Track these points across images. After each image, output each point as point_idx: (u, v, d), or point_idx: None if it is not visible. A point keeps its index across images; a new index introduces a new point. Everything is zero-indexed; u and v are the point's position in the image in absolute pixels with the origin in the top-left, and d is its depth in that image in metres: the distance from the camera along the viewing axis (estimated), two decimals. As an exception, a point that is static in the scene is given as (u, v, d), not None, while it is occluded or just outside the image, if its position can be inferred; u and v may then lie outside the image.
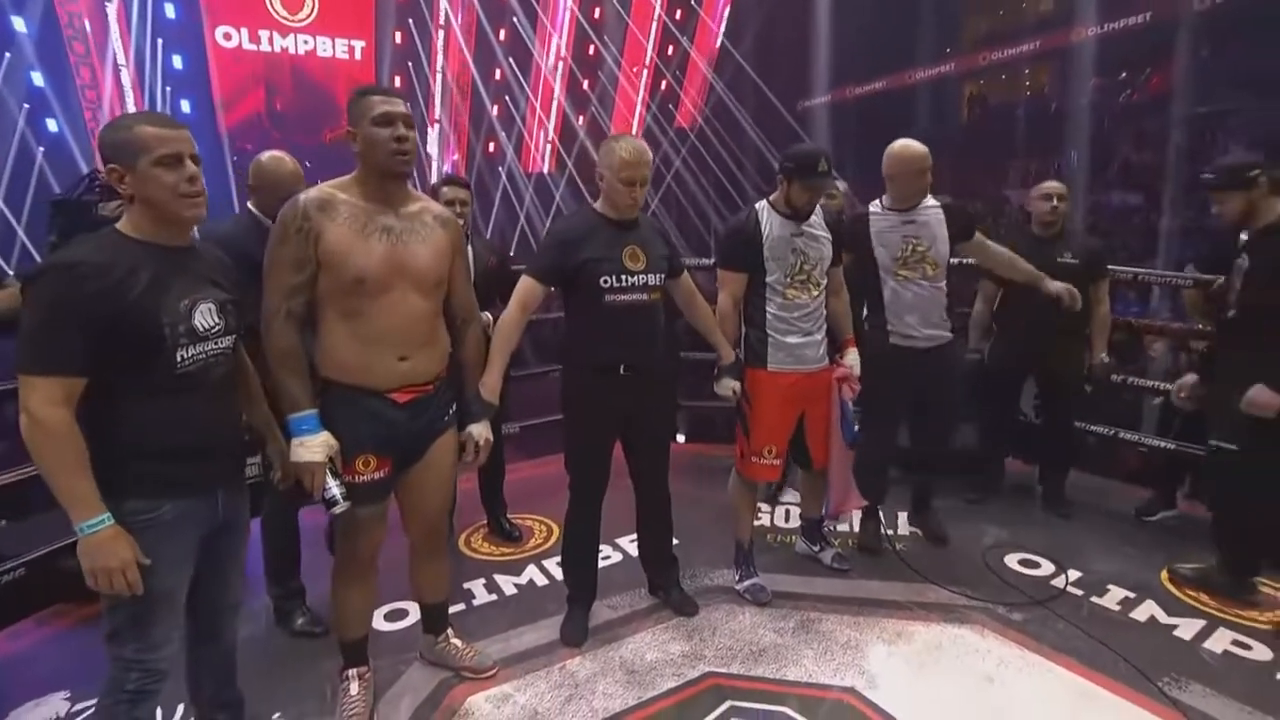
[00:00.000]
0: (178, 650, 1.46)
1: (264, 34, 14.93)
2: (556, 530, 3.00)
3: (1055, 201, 2.96)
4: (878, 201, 2.59)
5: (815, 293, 2.29)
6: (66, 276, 1.24)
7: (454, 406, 1.85)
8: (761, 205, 2.31)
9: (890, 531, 2.93)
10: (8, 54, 11.80)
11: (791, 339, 2.29)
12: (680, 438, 4.15)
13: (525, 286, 2.04)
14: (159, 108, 13.81)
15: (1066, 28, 12.45)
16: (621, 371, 2.07)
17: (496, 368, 1.96)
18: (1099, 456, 3.70)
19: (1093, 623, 2.27)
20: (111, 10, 12.70)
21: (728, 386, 2.26)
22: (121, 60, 12.92)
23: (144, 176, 1.30)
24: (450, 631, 2.10)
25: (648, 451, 2.26)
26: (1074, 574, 2.57)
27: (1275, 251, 2.21)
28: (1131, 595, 2.44)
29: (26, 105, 12.21)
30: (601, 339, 2.07)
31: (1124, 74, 12.56)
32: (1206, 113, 10.57)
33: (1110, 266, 3.13)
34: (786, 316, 2.28)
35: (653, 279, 2.07)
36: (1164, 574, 2.57)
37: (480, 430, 1.86)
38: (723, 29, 16.14)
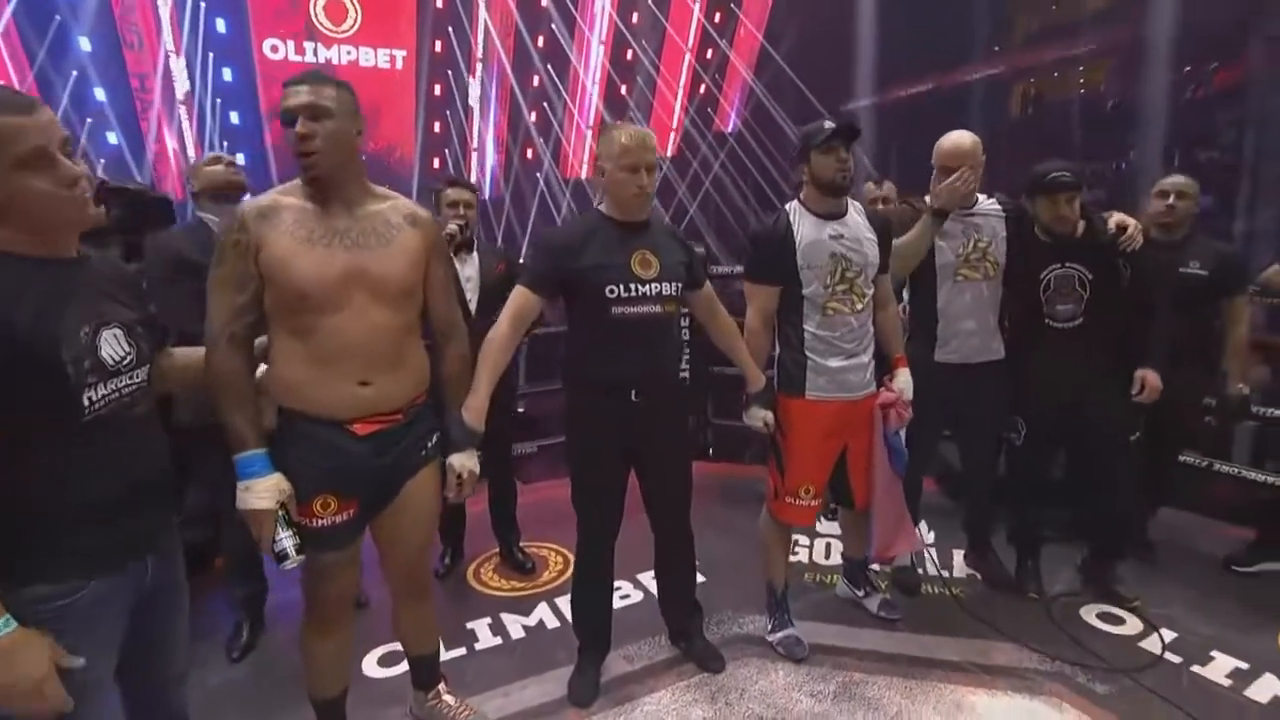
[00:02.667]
0: None
1: (309, 46, 15.21)
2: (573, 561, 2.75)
3: (1172, 199, 2.51)
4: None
5: (860, 306, 1.98)
6: None
7: (435, 436, 1.62)
8: (792, 206, 2.02)
9: (946, 573, 2.60)
10: (74, 72, 12.25)
11: (834, 362, 1.98)
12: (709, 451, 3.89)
13: (517, 297, 1.79)
14: (209, 120, 14.22)
15: (1125, 22, 11.76)
16: (633, 397, 1.81)
17: (482, 390, 1.70)
18: (1186, 488, 3.26)
19: (1196, 700, 1.91)
20: (165, 22, 13.10)
21: (758, 416, 1.98)
22: (180, 81, 13.32)
23: (5, 183, 0.99)
24: (442, 687, 1.87)
25: (665, 485, 1.99)
26: (1168, 634, 2.20)
27: None
28: (1244, 666, 2.05)
29: (89, 120, 12.65)
30: (608, 357, 1.80)
31: (1188, 68, 11.81)
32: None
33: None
34: (827, 336, 1.97)
35: (667, 288, 1.80)
36: (1280, 639, 2.18)
37: (463, 461, 1.61)
38: (763, 31, 15.83)
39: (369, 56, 15.70)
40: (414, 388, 1.54)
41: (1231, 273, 2.49)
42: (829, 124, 1.93)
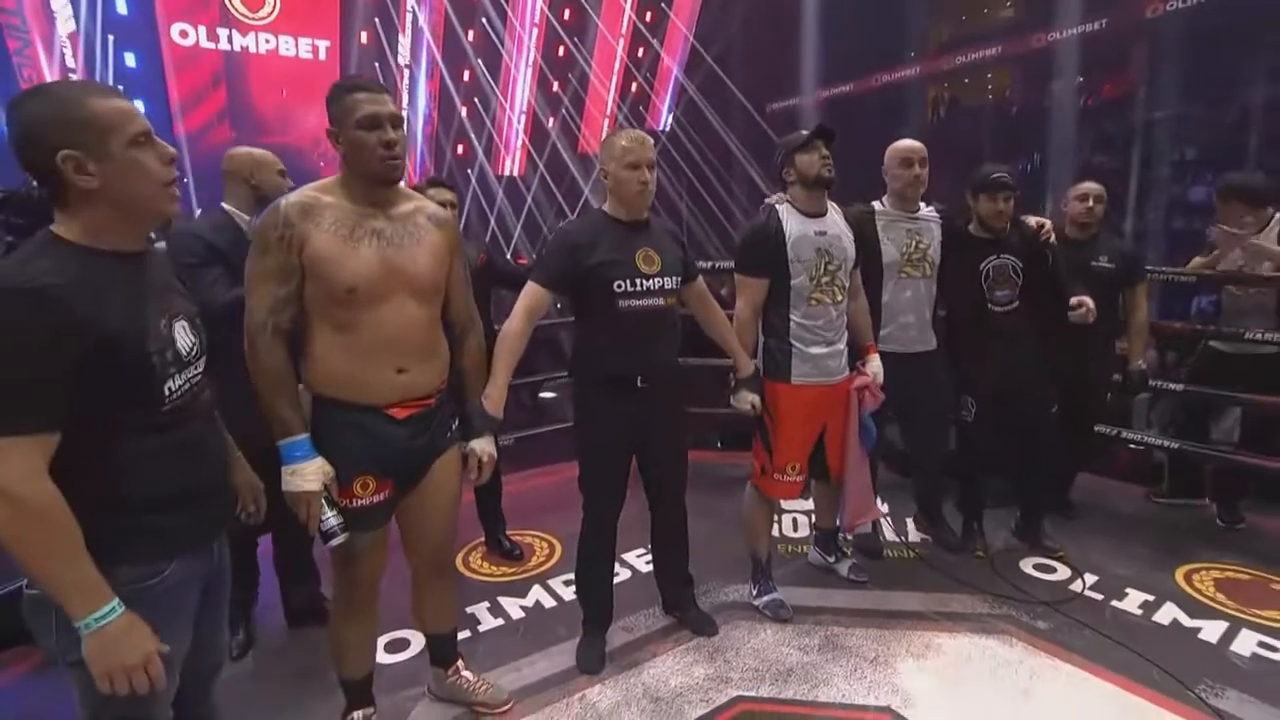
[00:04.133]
0: None
1: (223, 32, 14.41)
2: (559, 547, 2.88)
3: (1091, 202, 2.85)
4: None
5: (840, 297, 2.21)
6: (32, 305, 0.96)
7: (456, 422, 1.73)
8: (781, 206, 2.22)
9: (902, 538, 2.88)
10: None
11: (815, 350, 2.20)
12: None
13: (532, 294, 1.92)
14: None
15: (1028, 33, 12.72)
16: (639, 384, 1.96)
17: (500, 379, 1.83)
18: (1095, 456, 3.69)
19: (1117, 628, 2.24)
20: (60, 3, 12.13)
21: (746, 400, 2.16)
22: (71, 62, 12.33)
23: (122, 163, 1.04)
24: (460, 663, 1.96)
25: (666, 466, 2.15)
26: (1090, 578, 2.54)
27: None
28: (1150, 599, 2.41)
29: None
30: (615, 348, 1.95)
31: (1081, 79, 12.89)
32: (1161, 117, 10.86)
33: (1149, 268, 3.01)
34: (811, 325, 2.19)
35: (669, 282, 1.97)
36: (1180, 575, 2.56)
37: (483, 445, 1.72)
38: (693, 32, 16.15)
39: (289, 46, 15.01)
40: (441, 374, 1.65)
41: (1133, 265, 2.88)
42: (805, 132, 2.15)
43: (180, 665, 1.20)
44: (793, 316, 2.18)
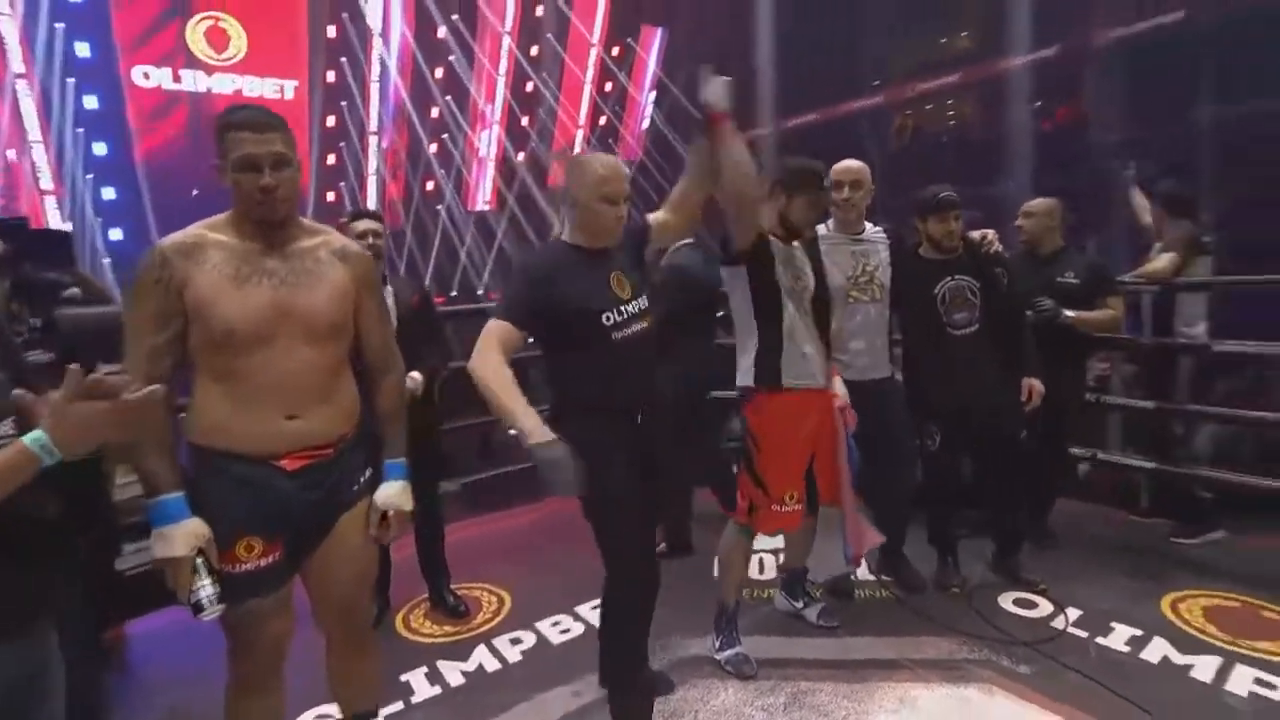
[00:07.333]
0: None
1: (187, 74, 14.28)
2: (509, 600, 2.66)
3: (1019, 220, 2.83)
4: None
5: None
6: None
7: (369, 471, 1.54)
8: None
9: (879, 576, 2.70)
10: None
11: (807, 348, 2.07)
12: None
13: (500, 331, 1.64)
14: (69, 150, 13.05)
15: (986, 61, 13.09)
16: (639, 420, 1.76)
17: (518, 406, 1.55)
18: (1069, 479, 3.57)
19: (1105, 668, 2.07)
20: (12, 42, 11.93)
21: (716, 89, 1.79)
22: (26, 105, 12.10)
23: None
24: (383, 747, 1.74)
25: (665, 502, 1.96)
26: (1073, 612, 2.38)
27: None
28: (1138, 633, 2.26)
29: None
30: (610, 382, 1.73)
31: (1038, 104, 13.25)
32: (1115, 141, 11.15)
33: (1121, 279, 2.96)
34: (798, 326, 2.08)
35: (644, 302, 1.78)
36: (1166, 605, 2.41)
37: (391, 496, 1.52)
38: (659, 64, 16.39)
39: (255, 87, 14.91)
40: (345, 421, 1.48)
41: (1101, 278, 2.80)
42: (826, 181, 2.10)
43: None
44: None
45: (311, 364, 1.40)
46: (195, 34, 13.89)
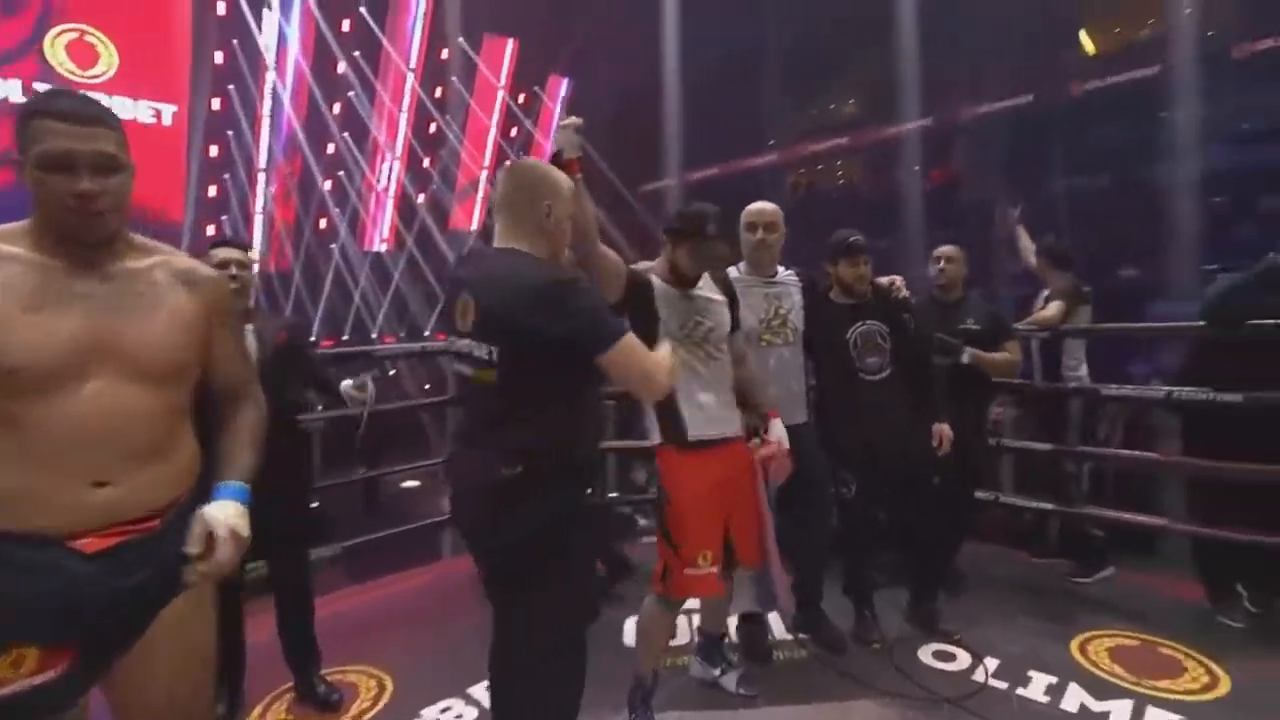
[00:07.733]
0: None
1: (42, 88, 12.95)
2: (389, 684, 2.30)
3: (942, 264, 2.87)
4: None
5: (716, 355, 1.97)
6: None
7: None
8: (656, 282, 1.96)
9: (796, 635, 2.55)
10: None
11: (703, 397, 1.91)
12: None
13: (637, 341, 1.43)
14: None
15: (871, 127, 14.26)
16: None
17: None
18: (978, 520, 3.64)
19: (1027, 722, 2.01)
20: None
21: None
22: None
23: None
24: None
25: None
26: (992, 662, 2.33)
27: None
28: (1054, 680, 2.22)
29: None
30: (591, 427, 1.55)
31: (917, 167, 14.50)
32: (984, 200, 12.34)
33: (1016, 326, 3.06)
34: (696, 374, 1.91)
35: None
36: (1075, 647, 2.41)
37: (224, 514, 1.13)
38: (564, 113, 16.59)
39: (127, 109, 13.68)
40: (176, 484, 1.17)
41: (999, 325, 2.88)
42: (710, 229, 1.93)
43: None
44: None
45: (137, 411, 1.10)
46: (54, 47, 12.62)
